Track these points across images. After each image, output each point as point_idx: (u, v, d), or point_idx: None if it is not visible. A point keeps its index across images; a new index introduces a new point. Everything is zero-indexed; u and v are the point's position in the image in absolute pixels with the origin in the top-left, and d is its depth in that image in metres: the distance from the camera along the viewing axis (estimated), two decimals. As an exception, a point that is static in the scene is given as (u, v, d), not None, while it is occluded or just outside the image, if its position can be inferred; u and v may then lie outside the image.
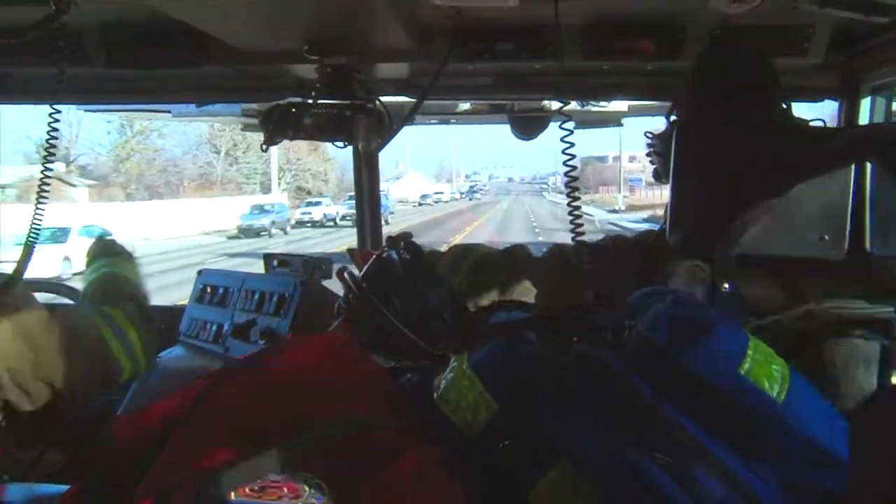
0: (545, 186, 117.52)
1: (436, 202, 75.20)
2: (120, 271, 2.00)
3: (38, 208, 1.97)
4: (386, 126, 2.50)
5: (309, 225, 43.92)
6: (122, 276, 1.98)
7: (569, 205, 1.75)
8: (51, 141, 1.97)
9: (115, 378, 1.96)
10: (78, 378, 1.83)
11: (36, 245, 1.96)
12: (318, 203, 48.22)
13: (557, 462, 1.07)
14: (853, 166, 1.61)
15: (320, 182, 58.43)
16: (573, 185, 1.76)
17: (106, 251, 2.05)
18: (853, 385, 1.58)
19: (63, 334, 1.85)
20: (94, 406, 2.06)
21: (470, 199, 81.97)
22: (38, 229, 1.97)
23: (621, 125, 3.73)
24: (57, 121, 1.99)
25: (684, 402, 1.09)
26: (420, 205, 75.24)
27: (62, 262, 20.70)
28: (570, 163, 1.84)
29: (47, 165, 1.97)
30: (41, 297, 2.86)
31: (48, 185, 1.98)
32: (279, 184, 53.46)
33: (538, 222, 39.36)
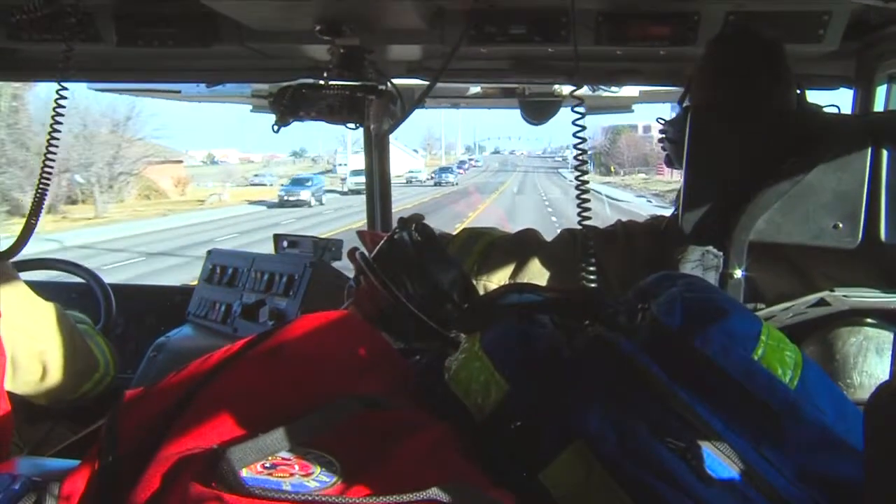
0: (560, 161, 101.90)
1: (409, 181, 62.63)
2: None
3: (41, 184, 1.98)
4: (397, 108, 2.49)
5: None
6: None
7: (577, 188, 1.75)
8: (57, 118, 1.97)
9: (91, 373, 1.99)
10: (65, 362, 1.86)
11: (38, 220, 1.99)
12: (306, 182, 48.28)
13: (571, 444, 1.07)
14: (868, 154, 1.60)
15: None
16: (582, 169, 1.75)
17: None
18: (866, 374, 1.59)
19: (56, 312, 1.88)
20: (102, 395, 2.09)
21: (437, 185, 60.40)
22: (41, 205, 1.98)
23: (632, 111, 3.73)
24: (64, 97, 1.99)
25: (697, 386, 1.09)
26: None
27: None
28: (580, 147, 1.82)
29: (52, 143, 1.98)
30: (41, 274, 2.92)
31: (52, 161, 1.99)
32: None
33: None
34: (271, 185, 58.53)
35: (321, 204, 43.85)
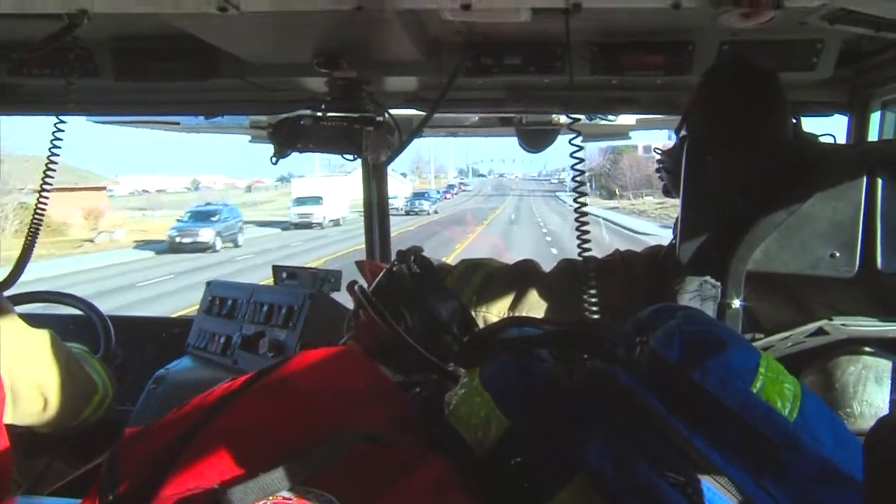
0: (556, 184, 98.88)
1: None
2: None
3: (36, 216, 2.00)
4: (395, 138, 2.51)
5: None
6: None
7: (577, 219, 1.76)
8: (53, 150, 1.99)
9: (91, 396, 1.99)
10: (64, 390, 1.87)
11: (32, 253, 2.00)
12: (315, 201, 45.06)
13: (572, 478, 1.06)
14: (864, 183, 1.61)
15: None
16: (581, 201, 1.77)
17: None
18: (866, 403, 1.59)
19: (51, 340, 1.89)
20: (103, 420, 2.09)
21: (408, 214, 52.36)
22: (36, 236, 2.00)
23: (629, 138, 3.75)
24: (62, 131, 2.01)
25: (696, 419, 1.08)
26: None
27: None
28: (578, 178, 1.83)
29: (48, 174, 2.00)
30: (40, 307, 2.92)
31: (48, 193, 2.00)
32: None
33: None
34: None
35: (236, 246, 34.34)
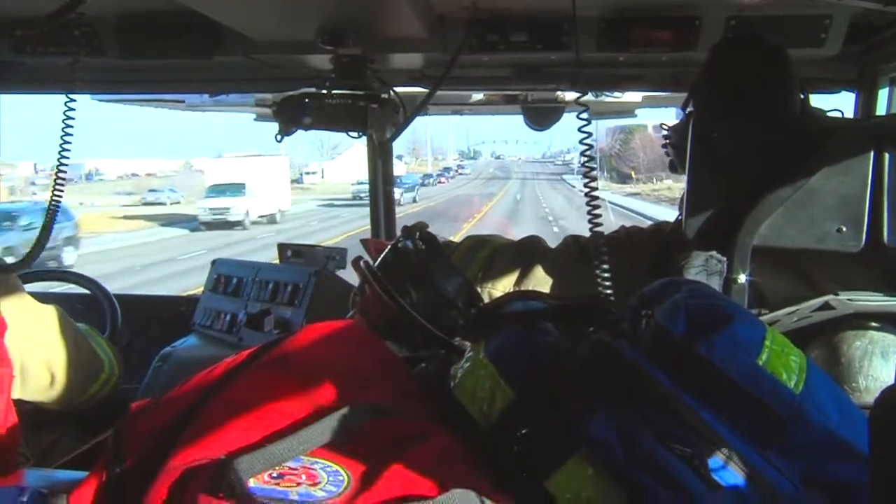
0: (561, 166, 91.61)
1: (356, 197, 40.81)
2: None
3: (54, 195, 2.00)
4: (399, 116, 2.50)
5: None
6: None
7: (586, 195, 1.75)
8: (67, 129, 1.99)
9: (97, 373, 2.01)
10: (71, 366, 1.88)
11: (50, 234, 2.00)
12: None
13: (576, 451, 1.07)
14: (871, 157, 1.61)
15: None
16: (591, 175, 1.76)
17: None
18: (871, 377, 1.59)
19: (58, 317, 1.90)
20: (109, 397, 2.10)
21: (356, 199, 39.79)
22: (54, 216, 2.00)
23: (635, 116, 3.73)
24: (73, 109, 2.01)
25: (702, 392, 1.09)
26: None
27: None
28: (587, 153, 1.83)
29: (64, 154, 1.99)
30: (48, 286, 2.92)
31: (65, 173, 2.00)
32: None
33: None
34: (171, 202, 45.85)
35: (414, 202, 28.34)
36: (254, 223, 33.88)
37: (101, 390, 2.05)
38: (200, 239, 29.34)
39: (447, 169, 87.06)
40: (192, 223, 34.43)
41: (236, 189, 34.30)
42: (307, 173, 70.42)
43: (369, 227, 3.47)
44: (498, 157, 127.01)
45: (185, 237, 31.50)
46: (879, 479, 0.88)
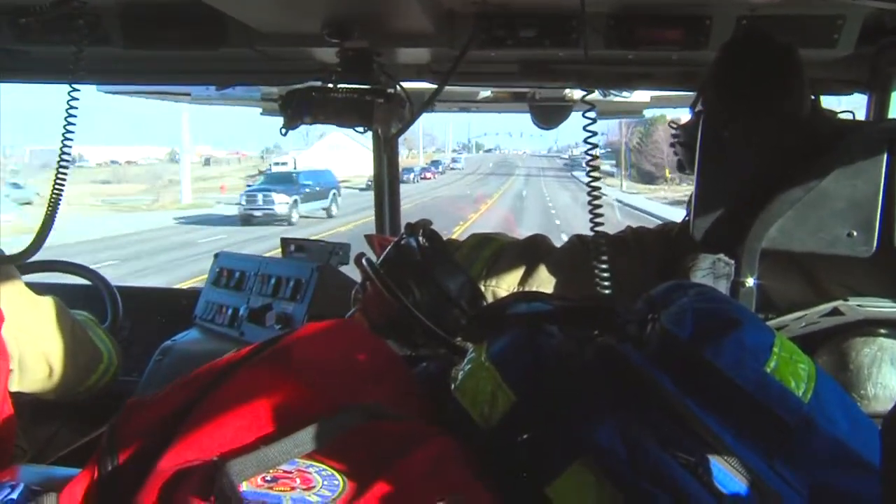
0: (568, 161, 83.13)
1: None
2: None
3: (56, 186, 1.99)
4: (406, 111, 2.48)
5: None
6: None
7: (589, 194, 1.73)
8: (69, 119, 1.98)
9: (96, 364, 2.00)
10: (69, 357, 1.87)
11: (53, 224, 1.99)
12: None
13: (579, 457, 1.04)
14: (884, 161, 1.58)
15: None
16: (594, 175, 1.74)
17: None
18: (880, 385, 1.56)
19: (56, 307, 1.89)
20: (108, 389, 2.09)
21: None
22: (57, 207, 1.99)
23: (643, 116, 3.71)
24: (76, 99, 1.99)
25: (708, 398, 1.06)
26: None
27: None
28: (591, 152, 1.80)
29: (66, 143, 1.98)
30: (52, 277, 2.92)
31: (67, 163, 1.99)
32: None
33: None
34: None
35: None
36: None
37: (101, 381, 2.05)
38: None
39: (435, 163, 78.04)
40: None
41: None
42: (276, 164, 60.02)
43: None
44: (488, 151, 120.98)
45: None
46: (892, 492, 0.86)
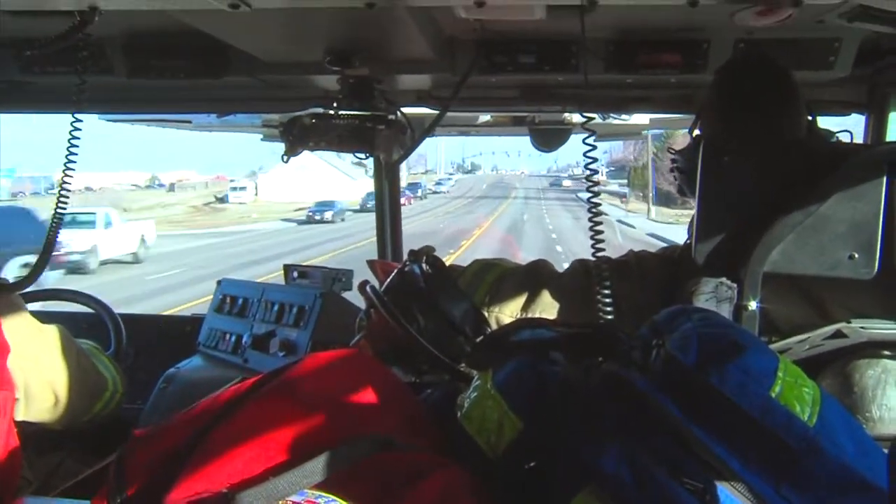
0: (572, 180, 76.46)
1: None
2: None
3: (56, 214, 2.00)
4: (407, 137, 2.49)
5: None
6: None
7: (591, 219, 1.74)
8: (72, 149, 1.99)
9: (101, 392, 2.00)
10: (75, 386, 1.87)
11: (54, 250, 2.00)
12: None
13: (586, 485, 1.04)
14: (884, 183, 1.59)
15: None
16: (595, 202, 1.75)
17: None
18: (885, 407, 1.56)
19: (60, 336, 1.89)
20: (112, 417, 2.09)
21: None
22: (58, 234, 2.00)
23: (643, 138, 3.73)
24: (78, 129, 2.01)
25: (714, 424, 1.07)
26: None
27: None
28: (592, 178, 1.81)
29: (68, 173, 2.00)
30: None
31: (68, 191, 2.00)
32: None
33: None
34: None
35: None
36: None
37: (106, 408, 2.05)
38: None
39: (413, 185, 67.90)
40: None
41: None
42: (234, 189, 59.37)
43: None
44: (472, 171, 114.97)
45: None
46: None
